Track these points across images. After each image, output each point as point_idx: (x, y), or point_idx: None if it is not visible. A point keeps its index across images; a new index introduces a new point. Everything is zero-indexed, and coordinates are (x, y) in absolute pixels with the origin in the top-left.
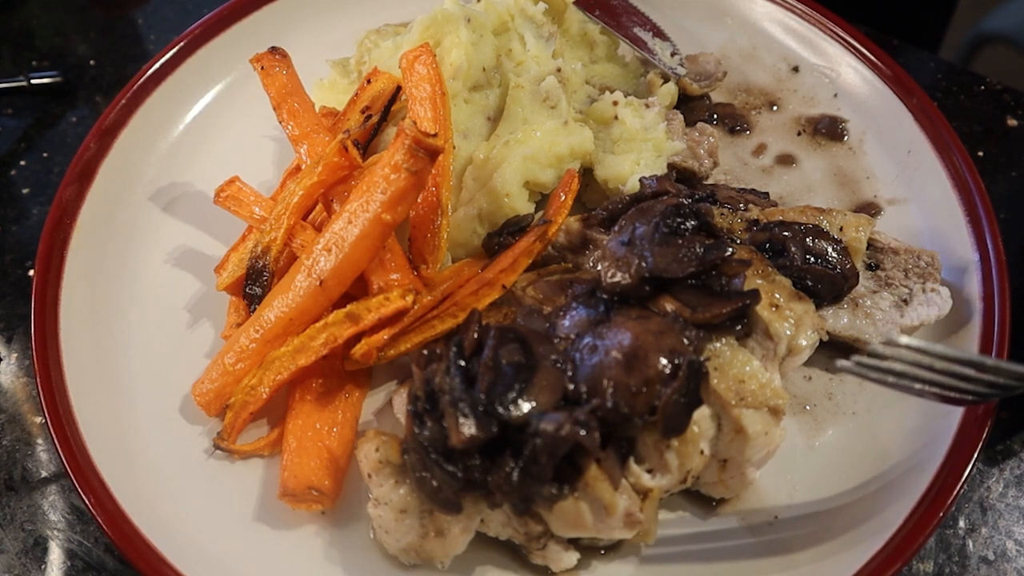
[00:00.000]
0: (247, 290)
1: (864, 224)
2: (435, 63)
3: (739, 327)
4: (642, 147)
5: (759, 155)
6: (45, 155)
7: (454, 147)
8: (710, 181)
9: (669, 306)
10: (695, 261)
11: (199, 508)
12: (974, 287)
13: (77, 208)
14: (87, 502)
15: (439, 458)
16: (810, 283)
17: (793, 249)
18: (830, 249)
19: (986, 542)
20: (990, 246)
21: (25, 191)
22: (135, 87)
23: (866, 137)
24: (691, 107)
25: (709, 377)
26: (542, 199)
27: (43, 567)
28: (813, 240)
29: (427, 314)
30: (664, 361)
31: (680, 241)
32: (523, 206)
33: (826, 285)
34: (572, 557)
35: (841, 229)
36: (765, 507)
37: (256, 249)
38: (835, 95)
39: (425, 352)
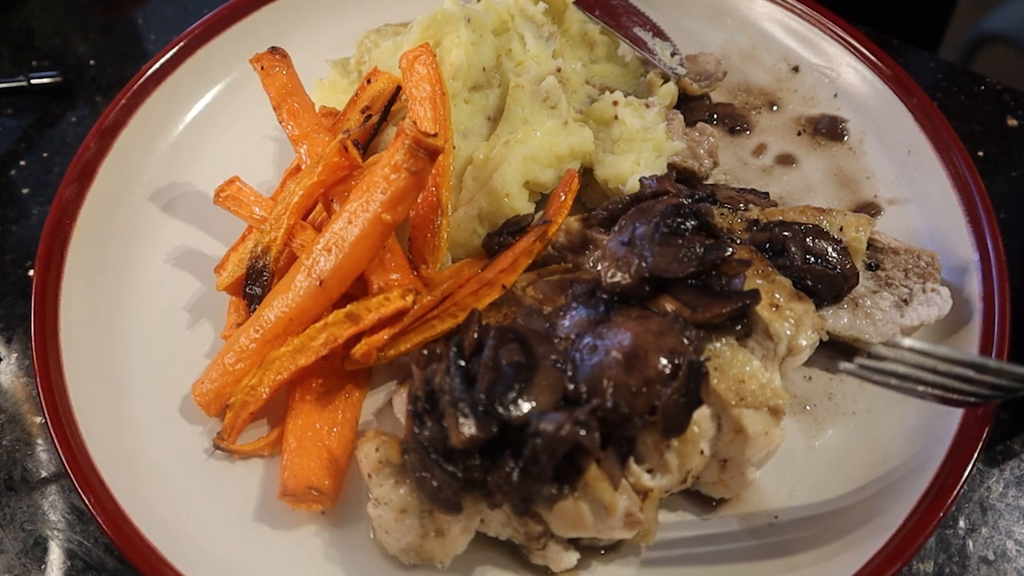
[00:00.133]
0: (247, 290)
1: (864, 224)
2: (435, 63)
3: (739, 327)
4: (642, 147)
5: (759, 155)
6: (45, 155)
7: (454, 147)
8: (710, 181)
9: (669, 306)
10: (695, 261)
11: (199, 508)
12: (974, 287)
13: (77, 208)
14: (87, 502)
15: (439, 458)
16: (810, 283)
17: (793, 249)
18: (830, 249)
19: (986, 542)
20: (990, 246)
21: (25, 191)
22: (135, 87)
23: (866, 137)
24: (691, 107)
25: (709, 377)
26: (542, 199)
27: (43, 567)
28: (813, 240)
29: (427, 314)
30: (664, 361)
31: (680, 241)
32: (523, 206)
33: (826, 285)
34: (572, 557)
35: (841, 229)
36: (765, 507)
37: (256, 249)
38: (835, 95)
39: (425, 352)
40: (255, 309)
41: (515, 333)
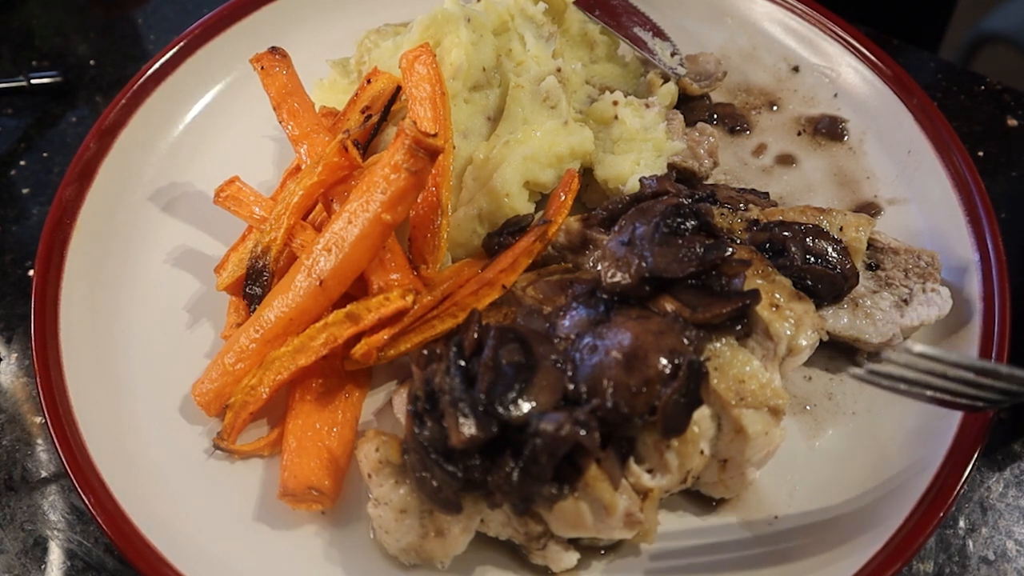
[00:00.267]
0: (247, 290)
1: (864, 224)
2: (435, 63)
3: (739, 327)
4: (642, 147)
5: (759, 155)
6: (45, 155)
7: (454, 147)
8: (710, 181)
9: (669, 306)
10: (695, 261)
11: (199, 508)
12: (974, 287)
13: (77, 208)
14: (87, 502)
15: (439, 458)
16: (810, 283)
17: (793, 249)
18: (830, 249)
19: (986, 542)
20: (990, 246)
21: (25, 191)
22: (135, 87)
23: (866, 137)
24: (691, 107)
25: (709, 377)
26: (542, 199)
27: (43, 567)
28: (813, 240)
29: (427, 314)
30: (664, 361)
31: (680, 241)
32: (523, 206)
33: (826, 285)
34: (572, 557)
35: (841, 229)
36: (765, 507)
37: (256, 249)
38: (835, 95)
39: (425, 352)
40: (255, 309)
41: (515, 333)
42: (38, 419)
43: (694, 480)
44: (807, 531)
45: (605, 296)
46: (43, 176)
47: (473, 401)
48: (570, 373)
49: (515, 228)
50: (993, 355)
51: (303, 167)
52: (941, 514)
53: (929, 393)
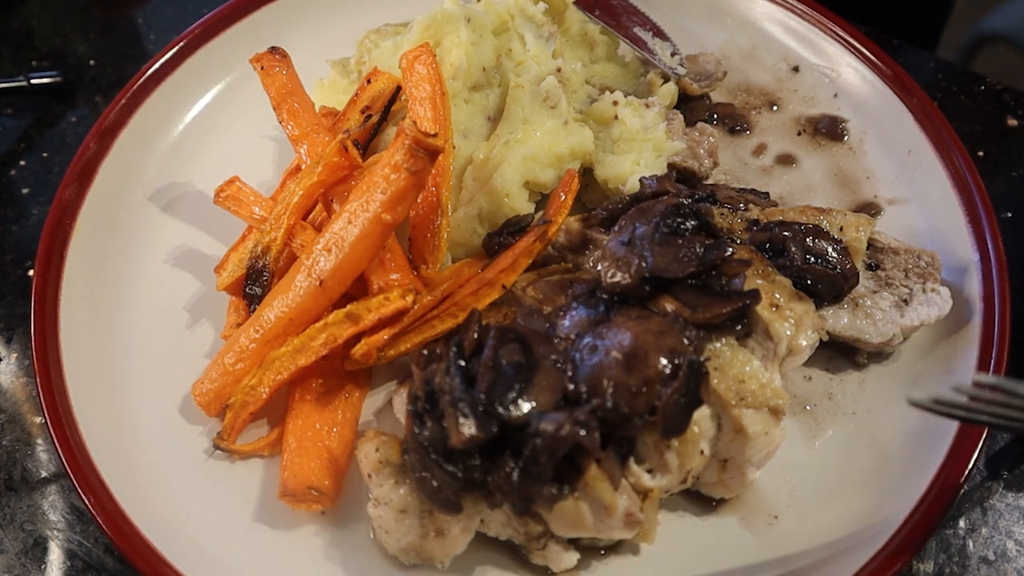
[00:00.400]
0: (247, 290)
1: (864, 224)
2: (435, 63)
3: (739, 327)
4: (642, 147)
5: (759, 155)
6: (45, 155)
7: (454, 147)
8: (710, 181)
9: (669, 306)
10: (695, 261)
11: (199, 508)
12: (974, 287)
13: (77, 208)
14: (87, 502)
15: (439, 458)
16: (810, 283)
17: (793, 249)
18: (830, 249)
19: (986, 542)
20: (990, 246)
21: (25, 191)
22: (135, 87)
23: (866, 137)
24: (691, 107)
25: (709, 377)
26: (542, 199)
27: (43, 567)
28: (813, 240)
29: (427, 314)
30: (664, 361)
31: (680, 241)
32: (523, 206)
33: (826, 285)
34: (572, 557)
35: (841, 229)
36: (765, 507)
37: (256, 249)
38: (835, 95)
39: (425, 352)
40: (255, 309)
41: (515, 333)
42: (38, 419)
43: (694, 480)
44: (807, 531)
45: (605, 296)
46: (43, 176)
47: (473, 401)
48: (570, 373)
49: (515, 228)
50: (993, 355)
51: (303, 167)
52: (941, 514)
53: (987, 419)
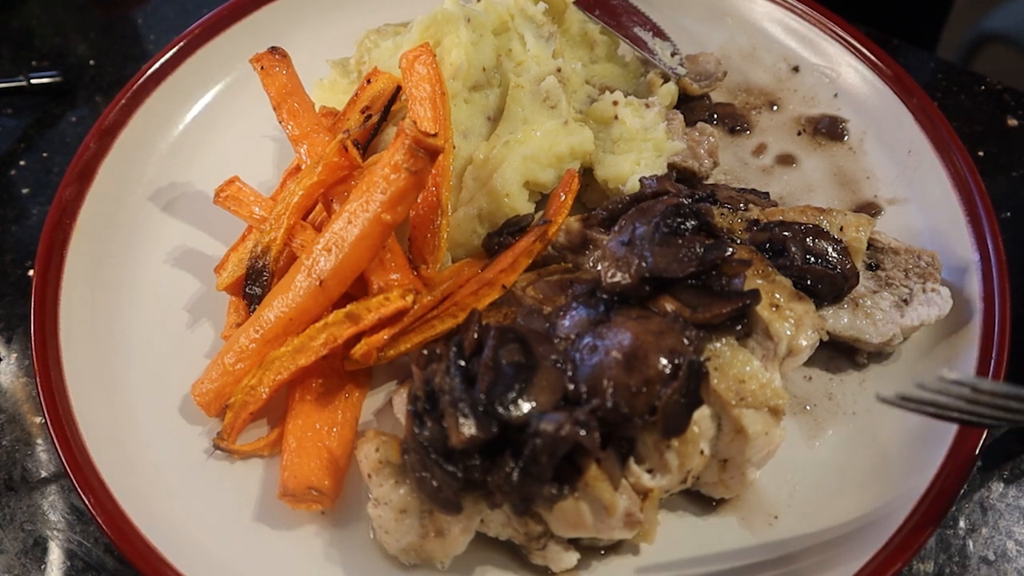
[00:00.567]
0: (247, 290)
1: (864, 224)
2: (435, 63)
3: (739, 327)
4: (642, 147)
5: (759, 155)
6: (45, 155)
7: (454, 147)
8: (710, 181)
9: (669, 306)
10: (695, 261)
11: (199, 508)
12: (974, 287)
13: (77, 208)
14: (87, 502)
15: (439, 458)
16: (810, 283)
17: (793, 249)
18: (830, 249)
19: (986, 542)
20: (990, 246)
21: (25, 191)
22: (135, 87)
23: (866, 137)
24: (691, 107)
25: (709, 377)
26: (542, 199)
27: (43, 567)
28: (813, 240)
29: (427, 314)
30: (664, 361)
31: (680, 241)
32: (523, 206)
33: (826, 285)
34: (572, 557)
35: (841, 229)
36: (765, 507)
37: (256, 249)
38: (835, 95)
39: (425, 352)
40: (255, 309)
41: (515, 333)
42: (38, 419)
43: (694, 480)
44: (807, 531)
45: (605, 296)
46: (43, 176)
47: (473, 401)
48: (570, 373)
49: (515, 228)
50: (993, 355)
51: (303, 167)
52: (941, 514)
53: (956, 415)
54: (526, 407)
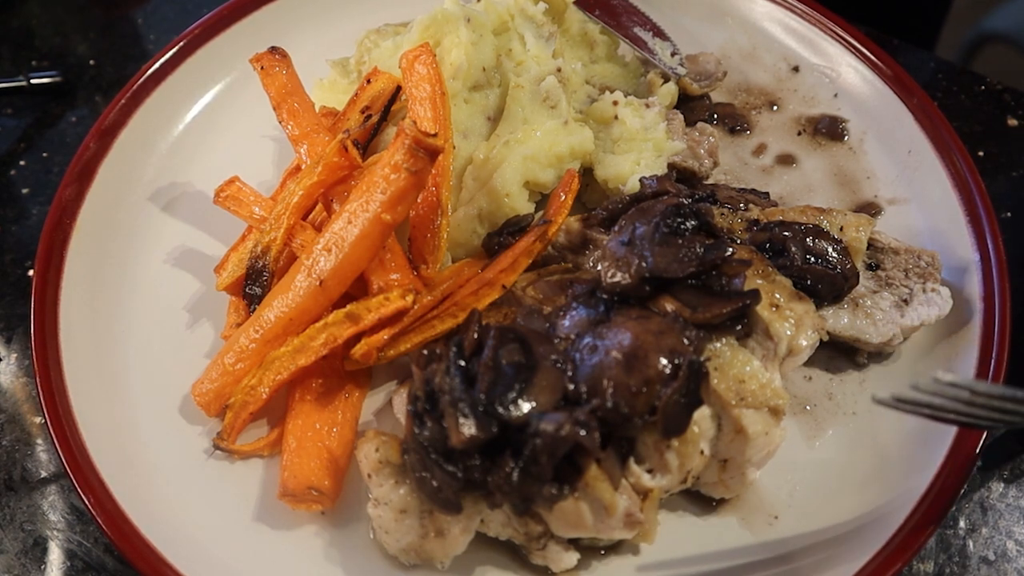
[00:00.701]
0: (247, 290)
1: (864, 224)
2: (435, 63)
3: (739, 327)
4: (642, 147)
5: (759, 155)
6: (45, 155)
7: (454, 147)
8: (710, 181)
9: (669, 306)
10: (695, 261)
11: (199, 508)
12: (974, 287)
13: (77, 208)
14: (87, 502)
15: (439, 458)
16: (810, 283)
17: (793, 249)
18: (830, 249)
19: (986, 542)
20: (990, 246)
21: (25, 191)
22: (135, 87)
23: (866, 137)
24: (691, 107)
25: (709, 377)
26: (542, 199)
27: (43, 567)
28: (813, 240)
29: (427, 314)
30: (664, 361)
31: (680, 241)
32: (523, 206)
33: (826, 285)
34: (572, 557)
35: (841, 229)
36: (765, 507)
37: (256, 249)
38: (835, 95)
39: (425, 352)
40: (255, 309)
41: (515, 333)
42: (38, 419)
43: (694, 480)
44: (807, 531)
45: (605, 296)
46: (43, 176)
47: (473, 401)
48: (570, 373)
49: (515, 228)
50: (993, 355)
51: (303, 167)
52: (941, 514)
53: (953, 417)
54: (526, 407)
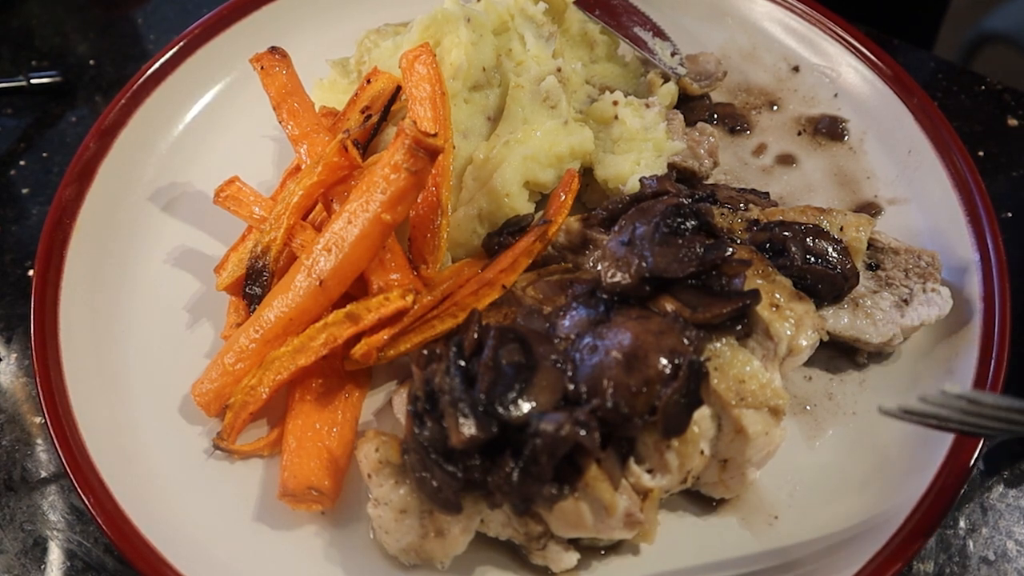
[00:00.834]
0: (247, 290)
1: (864, 224)
2: (435, 63)
3: (739, 327)
4: (642, 147)
5: (759, 155)
6: (45, 155)
7: (454, 147)
8: (710, 181)
9: (669, 306)
10: (695, 261)
11: (199, 508)
12: (974, 287)
13: (77, 208)
14: (87, 502)
15: (439, 458)
16: (810, 283)
17: (793, 249)
18: (830, 249)
19: (986, 542)
20: (990, 246)
21: (25, 191)
22: (135, 87)
23: (866, 137)
24: (691, 107)
25: (709, 377)
26: (542, 199)
27: (43, 567)
28: (813, 240)
29: (427, 314)
30: (664, 361)
31: (680, 241)
32: (523, 206)
33: (826, 285)
34: (572, 557)
35: (841, 229)
36: (765, 507)
37: (256, 249)
38: (835, 95)
39: (425, 352)
40: (255, 309)
41: (515, 333)
42: (38, 419)
43: (694, 480)
44: (807, 531)
45: (605, 296)
46: (43, 176)
47: (473, 401)
48: (570, 373)
49: (515, 228)
50: (993, 355)
51: (303, 167)
52: (941, 514)
53: (959, 428)
54: (526, 407)
